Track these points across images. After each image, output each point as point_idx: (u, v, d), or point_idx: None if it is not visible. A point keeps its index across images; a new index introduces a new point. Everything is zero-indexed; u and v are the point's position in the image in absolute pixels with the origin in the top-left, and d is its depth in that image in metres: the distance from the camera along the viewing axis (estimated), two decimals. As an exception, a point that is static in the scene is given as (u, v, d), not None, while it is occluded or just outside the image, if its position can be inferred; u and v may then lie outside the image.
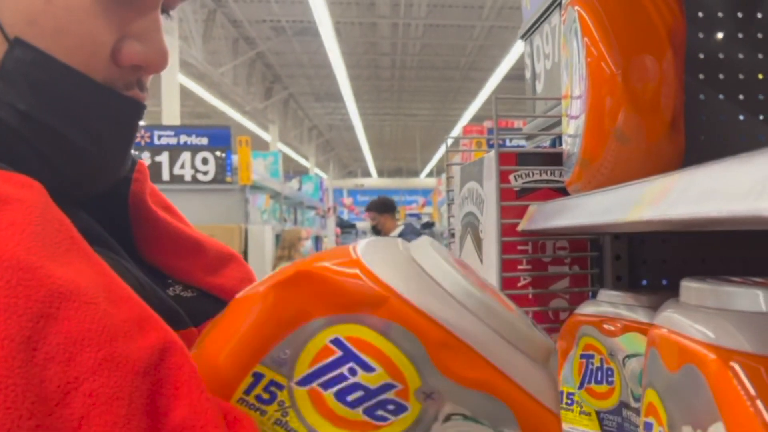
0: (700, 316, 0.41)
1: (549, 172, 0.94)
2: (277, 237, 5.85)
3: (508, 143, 5.40)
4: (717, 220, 0.33)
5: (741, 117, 0.94)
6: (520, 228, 0.89)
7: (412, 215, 15.76)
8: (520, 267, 0.93)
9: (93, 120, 0.53)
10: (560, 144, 1.19)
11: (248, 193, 5.56)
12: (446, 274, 0.39)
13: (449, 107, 16.86)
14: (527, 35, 1.20)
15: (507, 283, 0.92)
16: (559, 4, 1.03)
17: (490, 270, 0.93)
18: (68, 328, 0.39)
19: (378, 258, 0.40)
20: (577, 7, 0.77)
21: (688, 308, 0.43)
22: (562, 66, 0.84)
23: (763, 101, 0.95)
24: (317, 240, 9.04)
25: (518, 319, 0.40)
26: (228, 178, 5.43)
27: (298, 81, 14.56)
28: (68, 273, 0.41)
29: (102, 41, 0.52)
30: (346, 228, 13.34)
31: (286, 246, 5.63)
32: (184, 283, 0.63)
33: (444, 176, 7.44)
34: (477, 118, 15.16)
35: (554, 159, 0.93)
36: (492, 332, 0.38)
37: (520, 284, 0.93)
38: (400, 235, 5.58)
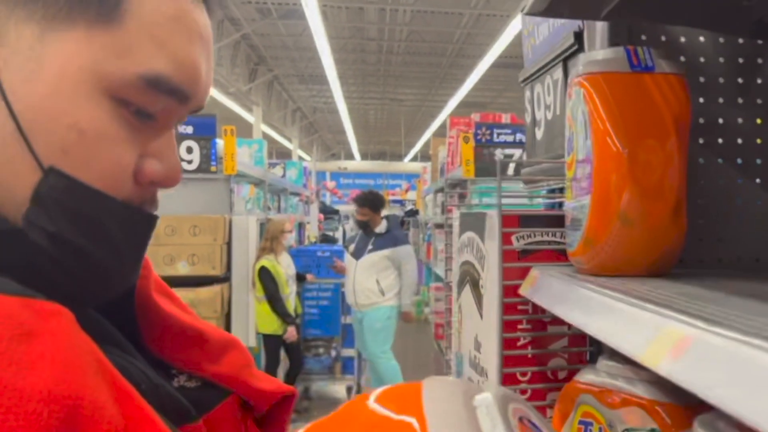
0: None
1: (551, 234, 0.95)
2: (262, 226, 5.83)
3: (495, 138, 5.40)
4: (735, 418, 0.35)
5: (739, 181, 0.96)
6: (521, 292, 0.90)
7: (395, 201, 15.74)
8: (520, 327, 0.95)
9: (115, 236, 0.55)
10: (558, 191, 1.20)
11: (233, 182, 5.53)
12: None
13: (435, 93, 16.81)
14: (528, 81, 1.20)
15: (507, 344, 0.93)
16: (564, 60, 1.04)
17: (490, 329, 0.95)
18: None
19: None
20: (584, 89, 0.77)
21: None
22: (566, 137, 0.85)
23: (761, 165, 0.96)
24: (300, 226, 9.03)
25: None
26: (213, 168, 5.39)
27: (282, 63, 14.43)
28: (97, 399, 0.45)
29: (126, 163, 0.55)
30: (329, 214, 13.31)
31: (269, 238, 5.62)
32: (188, 373, 0.65)
33: (430, 165, 7.33)
34: (463, 104, 15.15)
35: (556, 221, 0.94)
36: None
37: (519, 344, 0.95)
38: (387, 231, 5.54)
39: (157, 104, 0.55)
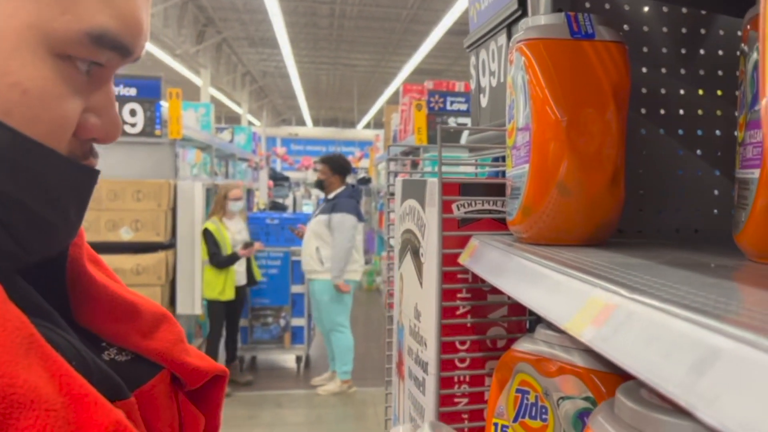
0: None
1: (491, 203, 0.94)
2: (208, 192, 5.73)
3: (448, 106, 5.39)
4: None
5: (680, 152, 0.97)
6: (460, 261, 0.89)
7: (347, 169, 15.61)
8: (459, 296, 0.94)
9: (58, 191, 0.54)
10: (502, 160, 1.20)
11: (178, 146, 5.39)
12: None
13: (389, 59, 16.67)
14: (473, 47, 1.18)
15: (446, 312, 0.92)
16: (508, 26, 1.02)
17: (429, 298, 0.94)
18: None
19: None
20: (524, 55, 0.76)
21: (622, 426, 0.44)
22: (507, 104, 0.84)
23: (702, 137, 0.97)
24: (249, 193, 8.91)
25: None
26: (157, 131, 5.24)
27: (232, 25, 14.06)
28: (30, 378, 0.43)
29: (69, 121, 0.54)
30: (279, 180, 13.15)
31: (215, 201, 5.56)
32: (118, 347, 0.63)
33: (383, 132, 7.29)
34: (418, 71, 15.08)
35: (497, 189, 0.93)
36: None
37: (459, 312, 0.94)
38: (336, 197, 5.39)
39: (100, 59, 0.54)
